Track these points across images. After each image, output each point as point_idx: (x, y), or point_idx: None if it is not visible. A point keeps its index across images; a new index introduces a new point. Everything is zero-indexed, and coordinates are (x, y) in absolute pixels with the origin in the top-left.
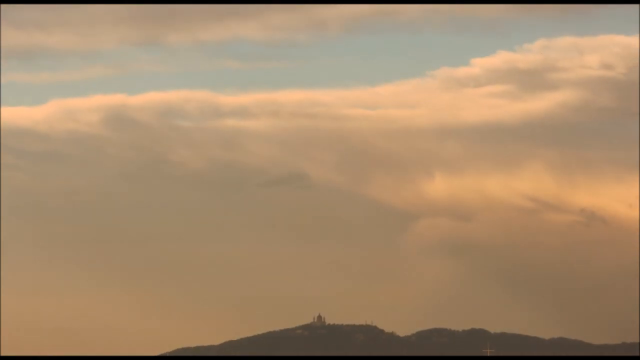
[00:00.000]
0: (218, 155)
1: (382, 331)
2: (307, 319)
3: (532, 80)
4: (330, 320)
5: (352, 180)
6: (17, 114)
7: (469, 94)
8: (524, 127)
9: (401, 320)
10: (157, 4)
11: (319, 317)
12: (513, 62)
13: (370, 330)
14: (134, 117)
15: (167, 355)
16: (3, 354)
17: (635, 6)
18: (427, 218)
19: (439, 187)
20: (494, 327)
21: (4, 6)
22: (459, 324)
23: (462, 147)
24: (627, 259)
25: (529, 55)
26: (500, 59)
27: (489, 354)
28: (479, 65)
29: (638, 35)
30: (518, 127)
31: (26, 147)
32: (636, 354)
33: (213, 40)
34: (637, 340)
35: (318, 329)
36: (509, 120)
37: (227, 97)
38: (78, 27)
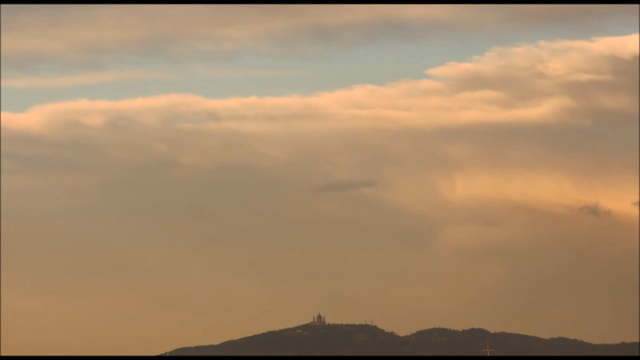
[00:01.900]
0: (218, 158)
1: (382, 331)
2: (307, 319)
3: (518, 86)
4: (330, 320)
5: (359, 182)
6: (17, 119)
7: (455, 99)
8: (524, 131)
9: (401, 320)
10: (158, 9)
11: (319, 317)
12: (500, 67)
13: (370, 330)
14: (135, 122)
15: (167, 355)
16: (3, 354)
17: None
18: (429, 220)
19: (445, 189)
20: (494, 327)
21: (3, 9)
22: (459, 324)
23: (461, 149)
24: (627, 258)
25: (512, 59)
26: (483, 64)
27: (489, 354)
28: (452, 71)
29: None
30: (517, 130)
31: (27, 152)
32: (636, 354)
33: (214, 47)
34: (637, 340)
35: (318, 329)
36: (507, 124)
37: (226, 101)
38: (78, 32)
